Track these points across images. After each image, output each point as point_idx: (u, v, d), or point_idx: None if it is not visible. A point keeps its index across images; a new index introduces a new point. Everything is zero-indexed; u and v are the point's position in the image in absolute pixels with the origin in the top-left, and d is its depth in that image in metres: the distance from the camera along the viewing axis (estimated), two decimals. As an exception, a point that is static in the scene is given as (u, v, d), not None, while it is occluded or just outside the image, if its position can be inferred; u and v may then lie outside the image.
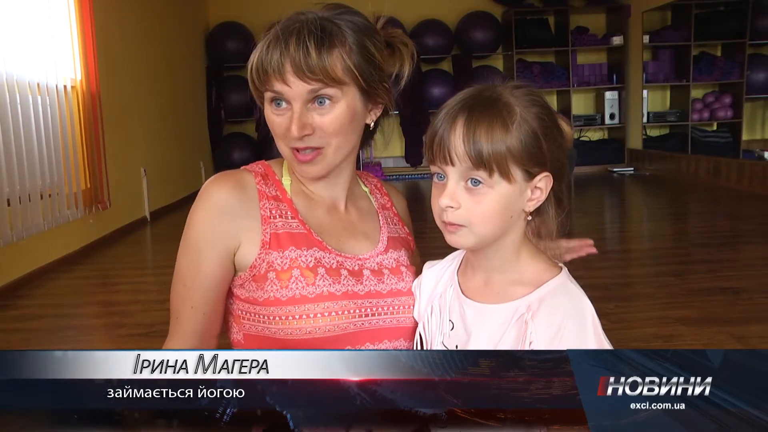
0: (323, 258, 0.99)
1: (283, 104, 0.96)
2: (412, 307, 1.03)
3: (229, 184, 0.99)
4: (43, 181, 4.21)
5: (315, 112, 0.96)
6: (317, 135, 0.96)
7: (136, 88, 5.92)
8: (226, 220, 0.97)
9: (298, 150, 0.98)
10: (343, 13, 0.98)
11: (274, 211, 1.00)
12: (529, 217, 0.89)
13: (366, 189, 1.15)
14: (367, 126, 1.05)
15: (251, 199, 0.99)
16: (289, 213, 1.01)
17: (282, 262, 0.96)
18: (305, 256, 0.97)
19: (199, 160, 7.80)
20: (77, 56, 4.77)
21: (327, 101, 0.95)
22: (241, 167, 1.06)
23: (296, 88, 0.94)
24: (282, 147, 1.00)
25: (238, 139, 8.17)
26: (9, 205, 3.79)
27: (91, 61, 4.86)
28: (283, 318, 0.95)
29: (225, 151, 8.03)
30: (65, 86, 4.58)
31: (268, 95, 0.97)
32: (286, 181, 1.04)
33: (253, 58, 0.97)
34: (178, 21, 7.32)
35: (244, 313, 0.99)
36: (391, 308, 1.01)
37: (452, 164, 0.83)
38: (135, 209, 5.80)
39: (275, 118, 0.98)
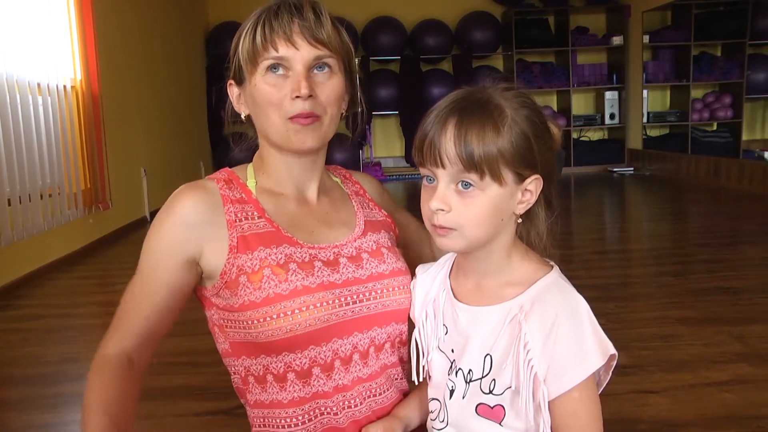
0: (294, 253, 0.97)
1: (281, 70, 0.96)
2: (397, 290, 1.01)
3: (191, 194, 0.98)
4: (43, 181, 4.21)
5: (315, 80, 0.97)
6: (317, 102, 0.97)
7: (136, 88, 5.92)
8: (186, 230, 0.96)
9: (295, 117, 0.96)
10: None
11: (239, 214, 0.98)
12: (519, 219, 0.89)
13: (337, 179, 1.14)
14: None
15: (215, 206, 0.98)
16: (255, 213, 0.99)
17: (252, 263, 0.95)
18: (275, 254, 0.95)
19: (199, 160, 7.81)
20: (77, 56, 4.77)
21: (327, 69, 0.98)
22: (206, 177, 1.05)
23: (303, 51, 0.95)
24: (275, 119, 0.97)
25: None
26: (9, 205, 3.79)
27: (91, 61, 4.86)
28: (261, 320, 0.93)
29: (225, 151, 8.04)
30: (65, 86, 4.58)
31: (264, 64, 0.96)
32: (251, 182, 1.03)
33: (253, 27, 0.97)
34: (178, 21, 7.32)
35: (226, 321, 0.98)
36: (373, 293, 0.99)
37: (443, 167, 0.82)
38: (135, 209, 5.80)
39: (270, 88, 0.96)
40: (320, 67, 0.97)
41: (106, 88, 5.11)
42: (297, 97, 0.95)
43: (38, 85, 4.21)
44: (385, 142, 8.81)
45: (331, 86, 0.98)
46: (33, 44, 4.19)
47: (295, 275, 0.94)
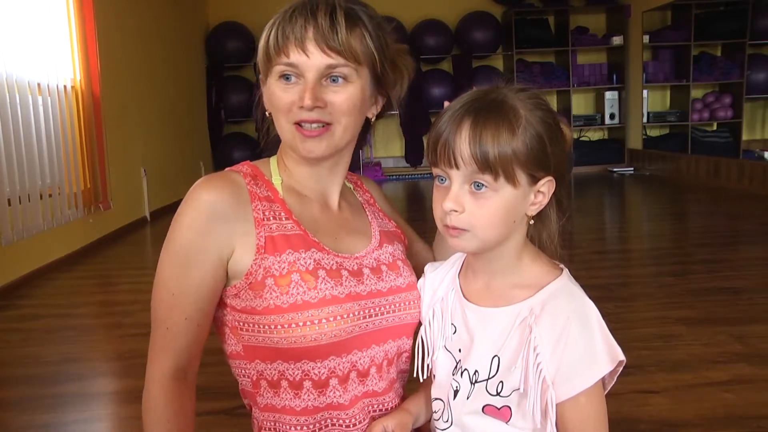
0: (322, 259, 0.94)
1: (293, 78, 0.93)
2: (412, 303, 1.00)
3: (219, 186, 0.94)
4: (43, 181, 4.21)
5: (328, 89, 0.93)
6: (328, 110, 0.93)
7: (136, 88, 5.92)
8: (218, 225, 0.91)
9: (302, 125, 0.94)
10: (360, 2, 0.97)
11: (267, 213, 0.95)
12: (531, 221, 0.88)
13: (350, 185, 1.13)
14: (368, 120, 1.02)
15: (243, 202, 0.94)
16: (282, 214, 0.96)
17: (280, 266, 0.91)
18: (304, 258, 0.93)
19: (199, 160, 7.80)
20: (77, 56, 4.78)
21: (341, 79, 0.93)
22: (226, 169, 1.01)
23: (315, 59, 0.91)
24: (284, 124, 0.95)
25: (238, 139, 8.17)
26: (9, 205, 3.79)
27: (91, 61, 4.87)
28: (286, 326, 0.90)
29: (225, 151, 8.04)
30: (65, 86, 4.59)
31: (278, 69, 0.94)
32: (277, 180, 1.00)
33: (270, 27, 0.94)
34: (178, 21, 7.32)
35: (241, 324, 0.94)
36: (392, 306, 0.98)
37: (457, 167, 0.82)
38: (135, 209, 5.80)
39: (281, 93, 0.94)
40: (334, 78, 0.93)
41: (106, 88, 5.11)
42: (302, 107, 0.93)
43: (38, 85, 4.20)
44: (385, 142, 8.81)
45: (344, 96, 0.94)
46: (33, 44, 4.19)
47: (324, 283, 0.92)
